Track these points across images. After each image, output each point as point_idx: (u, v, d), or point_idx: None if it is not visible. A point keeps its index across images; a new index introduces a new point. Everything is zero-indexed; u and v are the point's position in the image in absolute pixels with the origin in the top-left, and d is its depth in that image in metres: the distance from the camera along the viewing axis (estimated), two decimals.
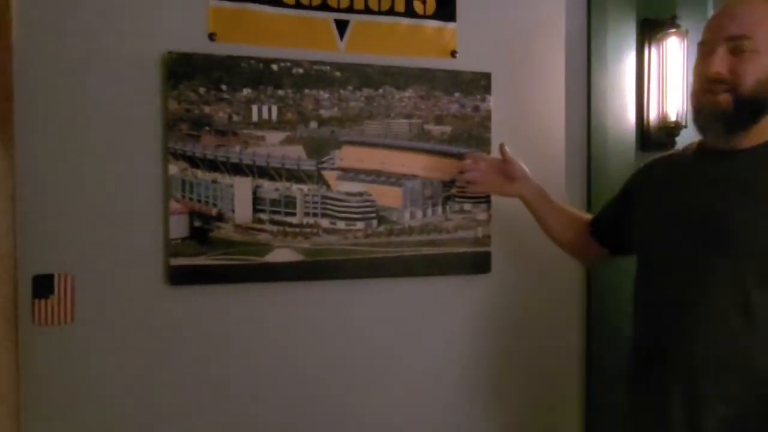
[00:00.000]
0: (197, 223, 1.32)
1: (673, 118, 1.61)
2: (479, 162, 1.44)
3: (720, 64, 1.00)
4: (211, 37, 1.33)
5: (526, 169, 1.41)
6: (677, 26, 1.60)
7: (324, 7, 1.40)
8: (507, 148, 1.40)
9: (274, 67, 1.35)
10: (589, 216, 1.40)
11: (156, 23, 1.31)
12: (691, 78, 1.12)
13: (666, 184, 1.16)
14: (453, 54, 1.50)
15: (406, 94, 1.44)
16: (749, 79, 0.99)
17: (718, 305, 1.00)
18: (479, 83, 1.50)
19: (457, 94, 1.48)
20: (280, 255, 1.37)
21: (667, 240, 1.10)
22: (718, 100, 1.01)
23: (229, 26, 1.34)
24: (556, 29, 1.59)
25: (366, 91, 1.42)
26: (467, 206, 1.50)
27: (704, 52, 1.05)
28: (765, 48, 0.99)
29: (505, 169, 1.41)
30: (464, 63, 1.50)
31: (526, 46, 1.57)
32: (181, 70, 1.29)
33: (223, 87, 1.32)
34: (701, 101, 1.05)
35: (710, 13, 1.69)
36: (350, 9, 1.42)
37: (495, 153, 1.47)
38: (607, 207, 1.35)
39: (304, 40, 1.39)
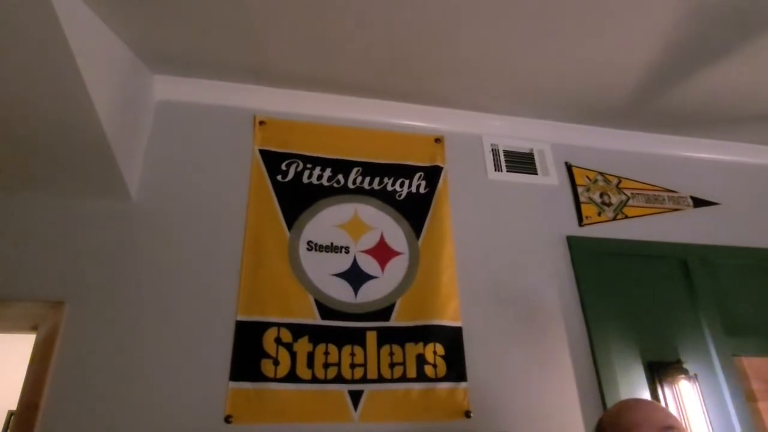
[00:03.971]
0: None
1: None
2: None
3: None
4: (227, 419, 1.35)
5: None
6: (685, 371, 1.62)
7: (339, 379, 1.45)
8: None
9: None
10: None
11: (175, 403, 1.35)
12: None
13: None
14: (467, 414, 1.49)
15: None
16: None
17: None
18: None
19: None
20: None
21: None
22: None
23: (246, 407, 1.37)
24: (566, 373, 1.62)
25: None
26: None
27: None
28: None
29: None
30: (480, 424, 1.48)
31: (538, 404, 1.57)
32: None
33: None
34: None
35: (714, 356, 1.74)
36: (364, 379, 1.47)
37: None
38: None
39: (319, 414, 1.41)
